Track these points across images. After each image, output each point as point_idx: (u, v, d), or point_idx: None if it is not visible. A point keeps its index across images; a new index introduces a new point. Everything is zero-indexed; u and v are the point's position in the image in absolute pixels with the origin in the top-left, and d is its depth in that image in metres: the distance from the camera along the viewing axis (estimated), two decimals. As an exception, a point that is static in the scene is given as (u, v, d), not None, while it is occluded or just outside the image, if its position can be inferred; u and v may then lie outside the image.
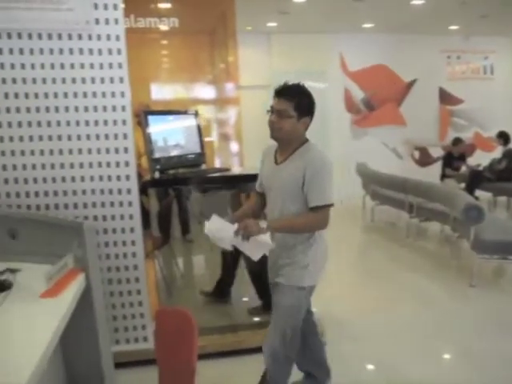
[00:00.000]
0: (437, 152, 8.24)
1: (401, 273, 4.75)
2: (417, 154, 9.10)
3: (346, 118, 8.66)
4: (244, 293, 3.67)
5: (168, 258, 4.30)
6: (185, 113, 3.48)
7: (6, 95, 2.56)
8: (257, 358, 2.52)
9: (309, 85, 2.22)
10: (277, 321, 2.31)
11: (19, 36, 2.54)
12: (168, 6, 5.34)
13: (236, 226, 2.10)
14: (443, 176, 7.32)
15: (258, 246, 2.10)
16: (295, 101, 2.14)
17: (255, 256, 2.13)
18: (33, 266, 2.44)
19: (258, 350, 2.44)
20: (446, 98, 9.04)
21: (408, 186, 6.03)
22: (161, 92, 5.95)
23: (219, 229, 2.14)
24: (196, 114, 3.40)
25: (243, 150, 5.99)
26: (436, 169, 7.78)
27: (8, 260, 2.34)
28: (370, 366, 2.98)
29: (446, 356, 3.15)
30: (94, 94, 2.61)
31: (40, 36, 2.56)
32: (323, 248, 2.31)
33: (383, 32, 8.20)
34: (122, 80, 2.64)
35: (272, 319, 2.34)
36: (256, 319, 3.35)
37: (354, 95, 8.63)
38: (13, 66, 2.55)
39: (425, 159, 8.96)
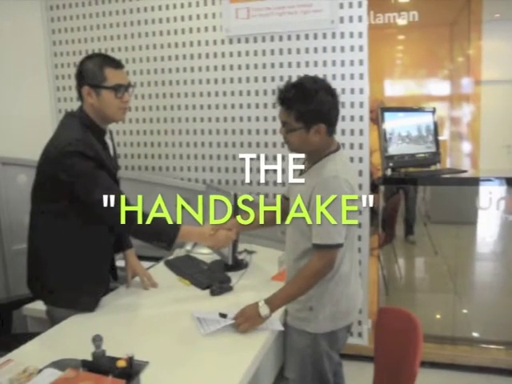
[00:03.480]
0: None
1: None
2: None
3: None
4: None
5: (389, 257, 4.24)
6: (421, 110, 3.37)
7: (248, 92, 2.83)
8: (475, 378, 2.31)
9: None
10: (295, 368, 1.84)
11: (280, 38, 2.78)
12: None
13: (230, 318, 1.70)
14: None
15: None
16: (294, 110, 1.66)
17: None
18: (266, 250, 2.67)
19: (477, 368, 2.23)
20: None
21: None
22: (394, 88, 5.87)
23: (209, 318, 1.74)
24: (433, 112, 3.27)
25: (477, 151, 5.56)
26: None
27: (246, 241, 2.59)
28: None
29: None
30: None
31: (289, 37, 2.75)
32: (340, 290, 1.78)
33: None
34: (361, 77, 2.67)
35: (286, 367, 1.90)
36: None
37: None
38: (272, 66, 2.81)
39: None
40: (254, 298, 1.79)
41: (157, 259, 2.61)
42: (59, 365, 1.39)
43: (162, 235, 1.86)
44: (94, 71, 1.83)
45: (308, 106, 1.65)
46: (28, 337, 1.73)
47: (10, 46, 2.98)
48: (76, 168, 1.75)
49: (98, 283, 1.95)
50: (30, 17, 3.15)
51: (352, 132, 2.71)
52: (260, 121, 2.87)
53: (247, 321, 1.66)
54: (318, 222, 1.65)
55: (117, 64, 1.87)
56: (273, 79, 2.80)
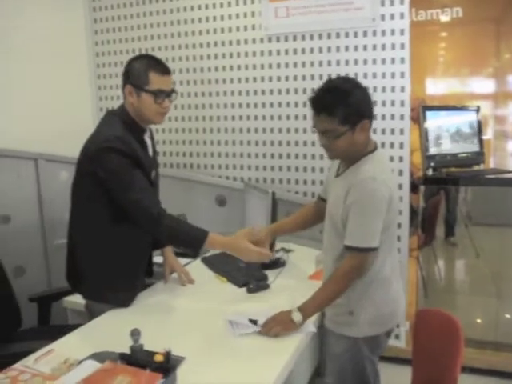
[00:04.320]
0: None
1: None
2: None
3: None
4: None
5: (428, 259, 4.16)
6: (464, 108, 3.29)
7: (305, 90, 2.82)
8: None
9: None
10: (333, 372, 1.80)
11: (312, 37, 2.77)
12: (453, -5, 5.09)
13: (258, 325, 1.66)
14: None
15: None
16: (339, 114, 1.58)
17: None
18: (303, 249, 2.66)
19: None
20: None
21: None
22: (436, 86, 5.74)
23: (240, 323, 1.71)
24: (477, 110, 3.19)
25: (523, 151, 5.39)
26: None
27: (284, 240, 2.58)
28: None
29: None
30: (375, 89, 2.65)
31: (329, 35, 2.73)
32: (381, 294, 1.72)
33: None
34: (403, 75, 2.62)
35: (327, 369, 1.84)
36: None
37: None
38: (312, 64, 2.80)
39: None
40: (290, 297, 1.79)
41: (194, 256, 2.63)
42: (98, 357, 1.42)
43: (189, 241, 1.85)
44: (139, 72, 1.83)
45: (350, 107, 1.59)
46: (68, 328, 1.78)
47: (54, 46, 3.06)
48: (112, 164, 1.77)
49: (134, 280, 1.98)
50: (73, 18, 3.25)
51: (392, 131, 2.67)
52: (299, 119, 2.86)
53: (279, 324, 1.63)
54: (352, 224, 1.61)
55: (163, 70, 1.86)
56: (312, 77, 2.79)
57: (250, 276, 2.20)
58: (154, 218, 1.78)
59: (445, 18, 4.98)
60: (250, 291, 2.07)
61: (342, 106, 1.58)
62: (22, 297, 2.31)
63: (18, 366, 1.44)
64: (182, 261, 2.53)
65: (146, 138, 1.99)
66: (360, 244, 1.60)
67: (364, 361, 1.74)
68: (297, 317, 1.63)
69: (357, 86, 1.66)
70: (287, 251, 2.55)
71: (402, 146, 2.67)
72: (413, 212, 2.90)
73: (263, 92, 2.93)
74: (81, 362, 1.41)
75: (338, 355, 1.76)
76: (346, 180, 1.68)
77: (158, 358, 1.36)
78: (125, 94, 1.88)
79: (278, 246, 2.49)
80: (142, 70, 1.83)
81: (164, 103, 1.87)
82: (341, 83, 1.66)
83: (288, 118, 2.88)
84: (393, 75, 2.63)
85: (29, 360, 1.47)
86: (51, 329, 2.28)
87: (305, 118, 2.82)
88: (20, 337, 2.15)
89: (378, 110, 2.67)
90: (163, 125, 3.13)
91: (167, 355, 1.37)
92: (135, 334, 1.41)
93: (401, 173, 2.68)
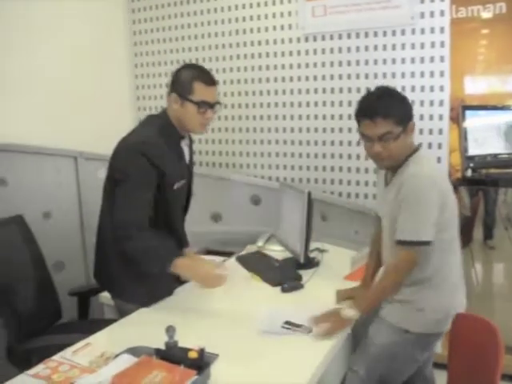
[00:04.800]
0: None
1: None
2: None
3: None
4: None
5: (465, 261, 4.06)
6: (505, 108, 3.20)
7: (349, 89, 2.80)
8: None
9: None
10: (367, 360, 1.78)
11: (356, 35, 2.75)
12: (495, -9, 4.95)
13: (299, 326, 1.65)
14: None
15: None
16: (394, 115, 1.64)
17: None
18: (338, 249, 2.64)
19: None
20: None
21: None
22: (476, 85, 5.60)
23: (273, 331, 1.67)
24: (521, 110, 3.10)
25: None
26: None
27: (318, 240, 2.57)
28: None
29: None
30: (413, 88, 2.61)
31: (367, 34, 2.70)
32: (447, 296, 1.77)
33: None
34: (442, 74, 2.57)
35: (359, 358, 1.82)
36: None
37: None
38: (349, 63, 2.78)
39: None
40: (325, 297, 1.79)
41: (229, 254, 2.65)
42: (134, 351, 1.44)
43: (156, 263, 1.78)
44: (184, 81, 1.84)
45: (402, 108, 1.69)
46: (104, 323, 1.82)
47: (94, 46, 3.13)
48: (130, 167, 1.76)
49: (159, 281, 1.92)
50: (112, 19, 3.32)
51: (431, 131, 2.62)
52: (335, 119, 2.84)
53: (334, 323, 1.62)
54: (402, 218, 1.65)
55: (209, 80, 1.86)
56: (349, 77, 2.77)
57: (285, 276, 2.20)
58: (121, 235, 1.75)
59: (486, 14, 4.85)
60: (284, 291, 2.07)
61: (395, 107, 1.67)
62: (62, 291, 2.37)
63: (57, 357, 1.48)
64: (216, 259, 2.55)
65: (184, 145, 1.99)
66: (410, 237, 1.63)
67: (408, 358, 1.78)
68: (350, 313, 1.64)
69: (395, 90, 1.76)
70: (321, 251, 2.54)
71: (440, 146, 2.62)
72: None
73: (299, 91, 2.92)
74: (117, 355, 1.44)
75: (386, 345, 1.76)
76: (396, 182, 1.72)
77: (192, 355, 1.37)
78: (170, 101, 1.88)
79: (313, 245, 2.48)
80: (188, 80, 1.83)
81: (207, 114, 1.86)
82: (387, 89, 1.75)
83: (324, 117, 2.86)
84: (432, 74, 2.59)
85: (67, 352, 1.51)
86: (89, 323, 2.34)
87: (341, 117, 2.80)
88: (60, 329, 2.20)
89: (416, 110, 2.61)
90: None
91: (201, 352, 1.39)
92: (170, 330, 1.43)
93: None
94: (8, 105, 2.64)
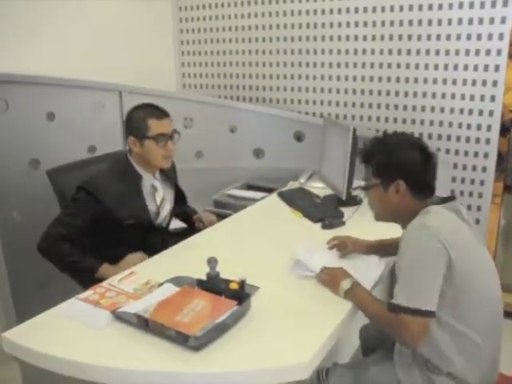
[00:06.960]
0: None
1: None
2: None
3: None
4: None
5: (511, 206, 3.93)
6: None
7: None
8: None
9: None
10: None
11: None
12: None
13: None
14: None
15: None
16: (373, 163, 1.50)
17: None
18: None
19: None
20: None
21: None
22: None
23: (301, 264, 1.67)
24: None
25: None
26: None
27: (361, 178, 2.52)
28: None
29: None
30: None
31: None
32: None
33: None
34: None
35: None
36: None
37: None
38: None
39: None
40: (365, 235, 1.77)
41: (270, 190, 2.66)
42: (177, 281, 1.49)
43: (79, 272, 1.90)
44: (138, 122, 1.91)
45: (387, 159, 1.47)
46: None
47: (142, 44, 3.13)
48: (72, 198, 1.92)
49: None
50: (160, 17, 3.32)
51: (486, 67, 2.49)
52: (384, 54, 2.70)
53: (329, 279, 1.54)
54: (400, 279, 1.36)
55: (160, 114, 1.92)
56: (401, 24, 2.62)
57: (326, 212, 2.20)
58: (43, 245, 1.87)
59: None
60: (324, 227, 2.07)
61: (379, 156, 1.49)
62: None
63: (104, 284, 1.55)
64: (257, 195, 2.56)
65: (155, 182, 2.03)
66: (412, 304, 1.30)
67: None
68: (346, 285, 1.48)
69: (408, 143, 1.51)
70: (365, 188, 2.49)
71: (495, 83, 2.50)
72: (500, 156, 2.72)
73: (348, 24, 2.79)
74: (161, 284, 1.50)
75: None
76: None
77: (234, 286, 1.41)
78: (129, 146, 1.95)
79: (356, 183, 2.44)
80: (141, 119, 1.91)
81: (167, 145, 1.93)
82: (391, 137, 1.60)
83: (373, 52, 2.74)
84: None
85: (114, 280, 1.58)
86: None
87: (390, 52, 2.67)
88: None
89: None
90: (240, 57, 3.12)
91: (242, 284, 1.42)
92: (212, 261, 1.46)
93: (491, 113, 2.53)
94: (57, 41, 2.67)
